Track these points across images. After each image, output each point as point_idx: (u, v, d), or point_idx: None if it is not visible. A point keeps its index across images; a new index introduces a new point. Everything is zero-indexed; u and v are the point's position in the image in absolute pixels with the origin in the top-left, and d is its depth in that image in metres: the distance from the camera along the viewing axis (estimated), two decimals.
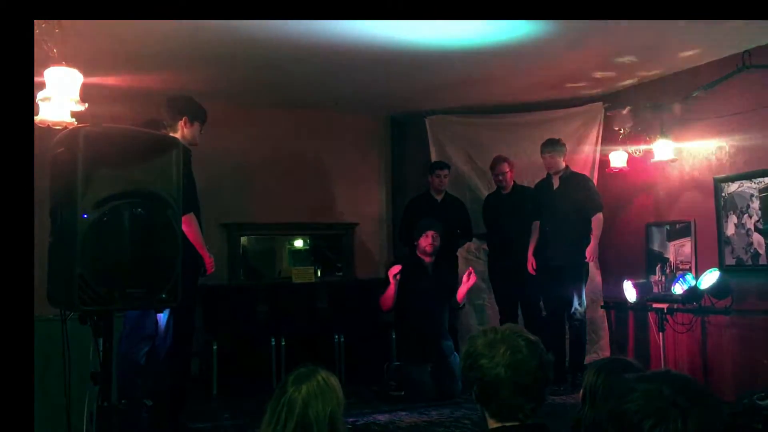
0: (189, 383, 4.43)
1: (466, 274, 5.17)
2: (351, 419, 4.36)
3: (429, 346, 5.14)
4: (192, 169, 3.98)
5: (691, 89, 5.21)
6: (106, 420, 2.50)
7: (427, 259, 5.33)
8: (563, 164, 5.54)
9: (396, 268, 5.13)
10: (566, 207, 5.43)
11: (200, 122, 4.15)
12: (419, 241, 5.34)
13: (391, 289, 5.14)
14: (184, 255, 3.89)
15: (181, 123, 4.07)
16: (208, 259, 4.07)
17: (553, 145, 5.51)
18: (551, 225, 5.50)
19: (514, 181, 5.91)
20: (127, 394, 3.87)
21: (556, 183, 5.54)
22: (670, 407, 1.27)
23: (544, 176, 5.69)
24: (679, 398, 1.28)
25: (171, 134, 4.02)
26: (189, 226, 3.90)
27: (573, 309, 5.35)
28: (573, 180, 5.53)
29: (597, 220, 5.39)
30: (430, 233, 5.28)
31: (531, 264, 5.58)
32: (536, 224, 5.64)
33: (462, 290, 5.22)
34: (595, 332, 5.95)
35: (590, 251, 5.35)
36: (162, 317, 4.05)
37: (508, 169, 5.82)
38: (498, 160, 5.86)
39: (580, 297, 5.39)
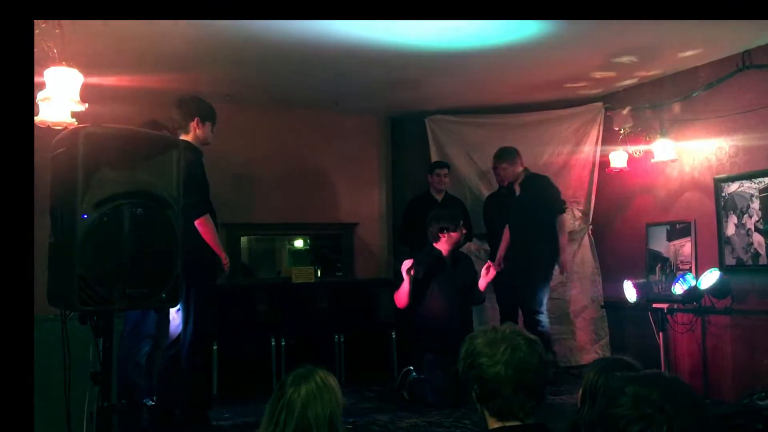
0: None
1: (485, 267, 4.97)
2: (351, 419, 4.36)
3: (455, 342, 4.92)
4: (205, 170, 4.04)
5: (691, 89, 5.22)
6: (106, 420, 2.50)
7: (445, 252, 5.10)
8: (520, 168, 5.48)
9: (408, 263, 4.86)
10: (530, 212, 5.35)
11: (211, 122, 4.23)
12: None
13: (406, 285, 4.87)
14: (203, 256, 3.99)
15: (193, 124, 4.13)
16: (225, 260, 4.17)
17: (506, 155, 5.45)
18: (519, 231, 5.41)
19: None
20: (127, 394, 3.89)
21: (517, 190, 5.49)
22: (656, 413, 1.27)
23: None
24: (666, 404, 1.27)
25: (183, 135, 4.11)
26: (205, 227, 3.97)
27: (537, 317, 5.23)
28: (532, 183, 5.45)
29: (559, 225, 5.32)
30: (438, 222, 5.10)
31: (498, 266, 5.32)
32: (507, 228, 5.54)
33: (482, 282, 5.01)
34: (596, 332, 5.95)
35: (564, 262, 5.29)
36: (173, 317, 4.09)
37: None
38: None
39: (541, 304, 5.27)
